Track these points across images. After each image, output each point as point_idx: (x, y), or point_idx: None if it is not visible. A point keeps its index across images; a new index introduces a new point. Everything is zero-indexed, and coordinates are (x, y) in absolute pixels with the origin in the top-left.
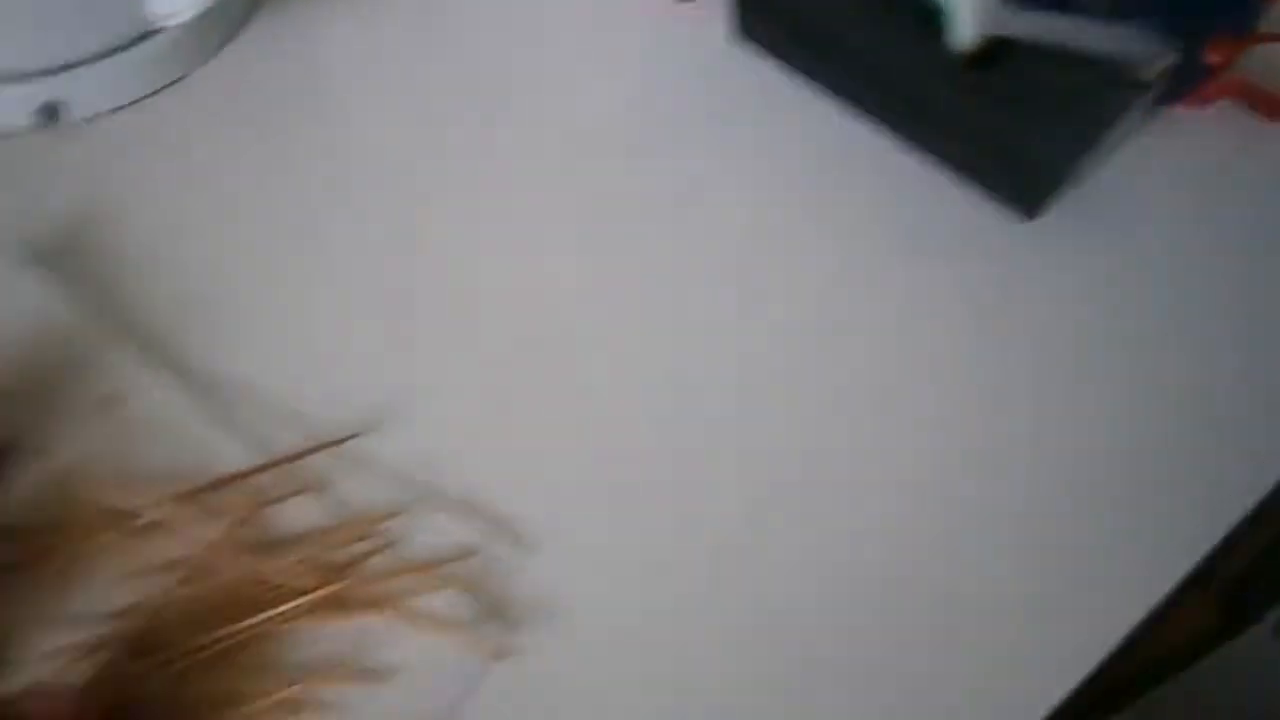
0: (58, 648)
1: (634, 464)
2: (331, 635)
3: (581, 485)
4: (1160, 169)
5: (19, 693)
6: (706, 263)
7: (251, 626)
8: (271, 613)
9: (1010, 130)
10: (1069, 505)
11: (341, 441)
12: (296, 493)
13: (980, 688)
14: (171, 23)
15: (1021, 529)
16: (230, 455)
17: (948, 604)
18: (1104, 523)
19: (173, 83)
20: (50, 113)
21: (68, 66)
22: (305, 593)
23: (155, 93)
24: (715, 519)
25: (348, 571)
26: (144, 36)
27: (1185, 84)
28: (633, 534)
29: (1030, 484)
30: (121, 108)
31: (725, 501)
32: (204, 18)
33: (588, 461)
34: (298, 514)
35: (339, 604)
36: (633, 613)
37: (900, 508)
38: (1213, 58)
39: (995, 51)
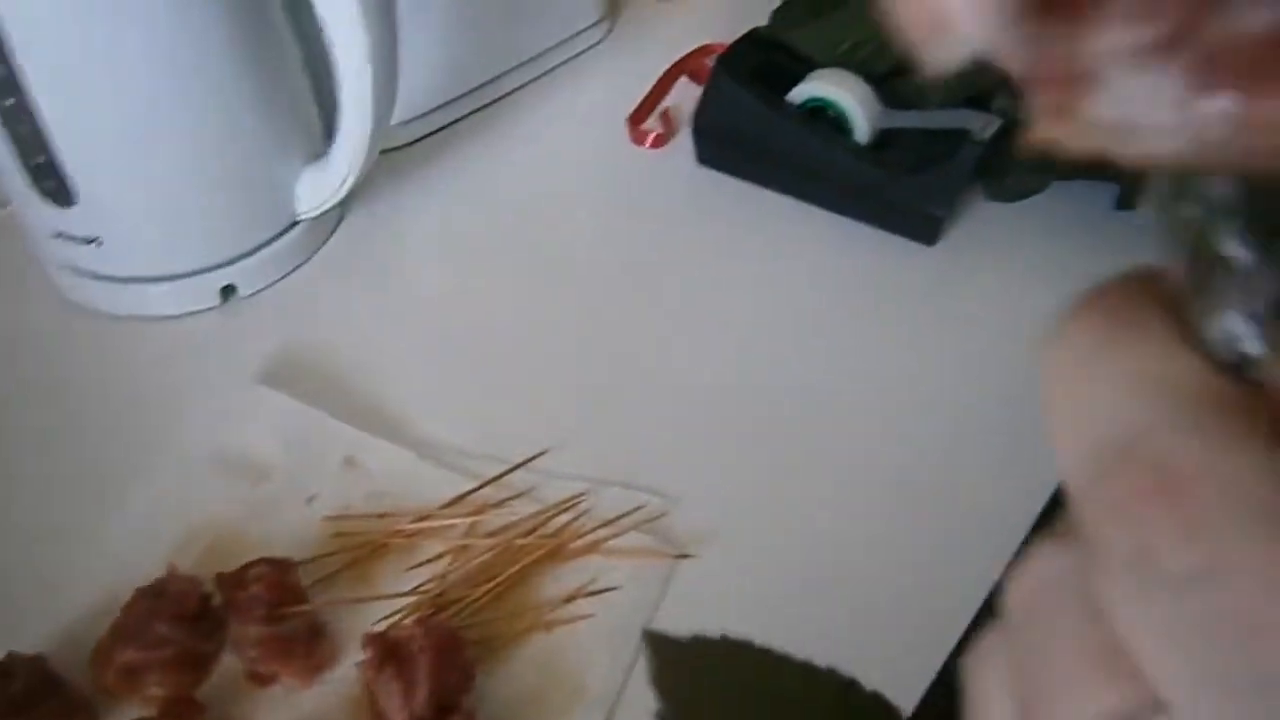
0: (389, 612)
1: (744, 444)
2: (563, 575)
3: (708, 462)
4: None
5: (377, 633)
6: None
7: (509, 577)
8: (518, 565)
9: (904, 185)
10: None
11: (532, 460)
12: (509, 498)
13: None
14: (313, 215)
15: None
16: (456, 484)
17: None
18: None
19: (305, 260)
20: (228, 292)
21: (239, 257)
22: (538, 550)
23: (295, 269)
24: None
25: (563, 534)
26: (289, 228)
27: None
28: (750, 491)
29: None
30: (273, 282)
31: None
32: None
33: (709, 443)
34: (516, 509)
35: (564, 555)
36: (758, 541)
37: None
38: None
39: (885, 138)
